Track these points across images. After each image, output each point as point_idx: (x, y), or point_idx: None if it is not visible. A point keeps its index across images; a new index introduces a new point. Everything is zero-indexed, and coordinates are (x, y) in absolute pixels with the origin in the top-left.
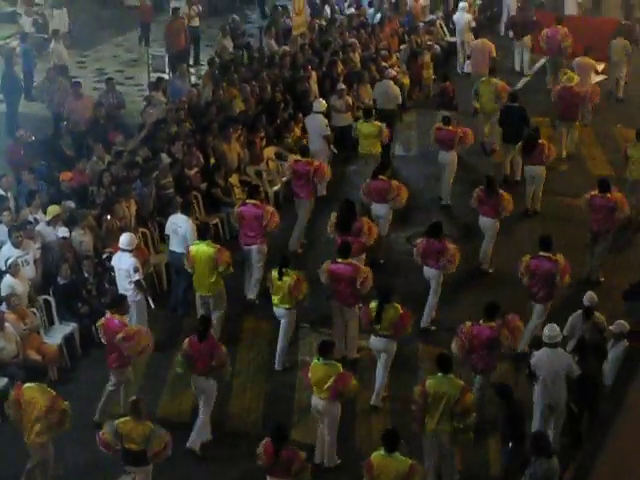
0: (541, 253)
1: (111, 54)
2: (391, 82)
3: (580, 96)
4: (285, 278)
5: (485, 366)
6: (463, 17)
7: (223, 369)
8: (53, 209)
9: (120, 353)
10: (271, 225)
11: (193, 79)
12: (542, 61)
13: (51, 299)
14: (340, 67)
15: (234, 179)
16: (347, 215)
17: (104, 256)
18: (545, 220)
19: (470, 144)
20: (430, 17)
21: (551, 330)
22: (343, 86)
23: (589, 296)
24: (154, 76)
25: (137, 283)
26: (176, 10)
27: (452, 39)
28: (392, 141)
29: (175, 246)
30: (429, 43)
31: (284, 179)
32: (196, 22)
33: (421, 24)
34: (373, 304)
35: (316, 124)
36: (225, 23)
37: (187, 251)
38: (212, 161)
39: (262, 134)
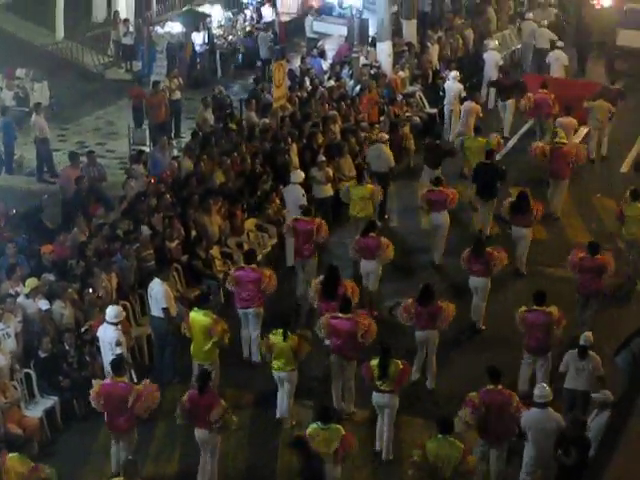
0: (535, 307)
1: (92, 127)
2: (384, 145)
3: (572, 155)
4: (287, 341)
5: (503, 435)
6: (454, 86)
7: (227, 418)
8: (32, 282)
9: (130, 415)
10: (269, 288)
11: (174, 152)
12: (528, 124)
13: (32, 372)
14: (320, 139)
15: (215, 251)
16: (332, 281)
17: (85, 329)
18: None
19: (454, 204)
20: (410, 89)
21: (540, 390)
22: (323, 158)
23: (585, 336)
24: (135, 149)
25: (118, 357)
26: (157, 83)
27: (432, 110)
28: (386, 202)
29: (153, 311)
30: (408, 115)
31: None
32: (177, 95)
33: (400, 96)
34: (374, 361)
35: (294, 195)
36: (206, 95)
37: (170, 314)
38: (193, 233)
39: (243, 206)
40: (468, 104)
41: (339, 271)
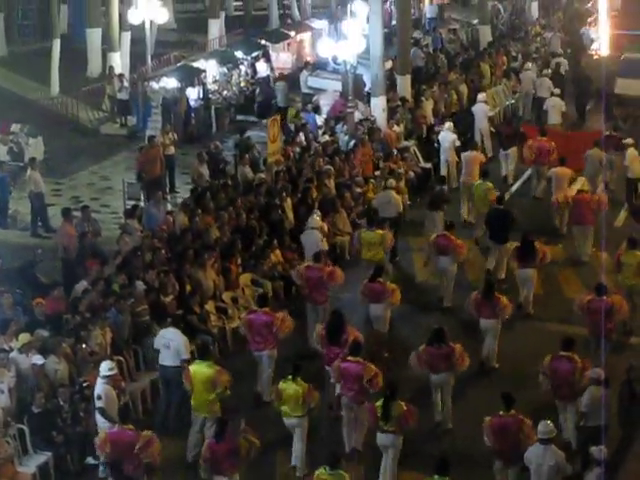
0: (561, 353)
1: (87, 181)
2: (392, 192)
3: (594, 202)
4: (296, 387)
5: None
6: (448, 136)
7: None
8: (24, 337)
9: (139, 462)
10: (283, 330)
11: (168, 206)
12: (528, 171)
13: (25, 428)
14: (315, 193)
15: (210, 306)
16: (337, 327)
17: (86, 384)
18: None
19: (462, 257)
20: (404, 143)
21: (544, 426)
22: (318, 213)
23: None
24: (129, 204)
25: (99, 410)
26: (151, 138)
27: (426, 165)
28: (396, 245)
29: (166, 360)
30: (400, 170)
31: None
32: (171, 150)
33: (395, 150)
34: (379, 402)
35: (312, 240)
36: (201, 150)
37: (184, 366)
38: (188, 288)
39: (237, 261)
40: (470, 154)
41: (344, 317)
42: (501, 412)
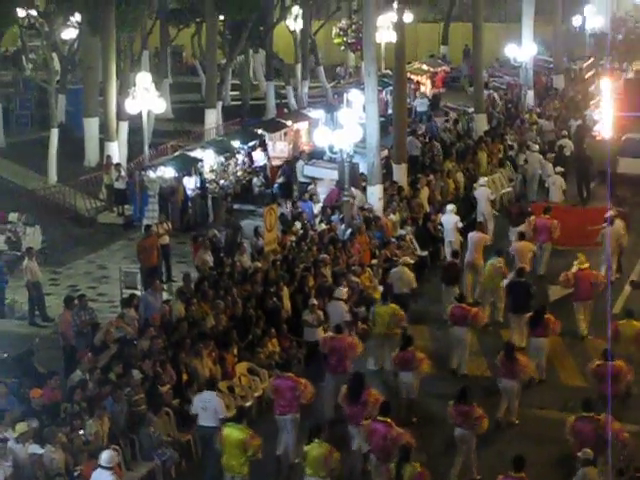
0: (584, 414)
1: (84, 270)
2: (405, 268)
3: (594, 277)
4: (319, 449)
5: None
6: (451, 218)
7: None
8: (21, 427)
9: None
10: (306, 396)
11: (165, 295)
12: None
13: None
14: (311, 282)
15: None
16: (356, 387)
17: (75, 474)
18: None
19: (481, 325)
20: (400, 232)
21: None
22: (315, 301)
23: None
24: (126, 292)
25: None
26: (148, 227)
27: (423, 253)
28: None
29: (205, 421)
30: (397, 258)
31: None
32: (165, 240)
33: (392, 239)
34: (392, 464)
35: (338, 311)
36: (204, 237)
37: (219, 427)
38: (184, 377)
39: (234, 350)
40: (475, 234)
41: (363, 378)
42: (512, 473)
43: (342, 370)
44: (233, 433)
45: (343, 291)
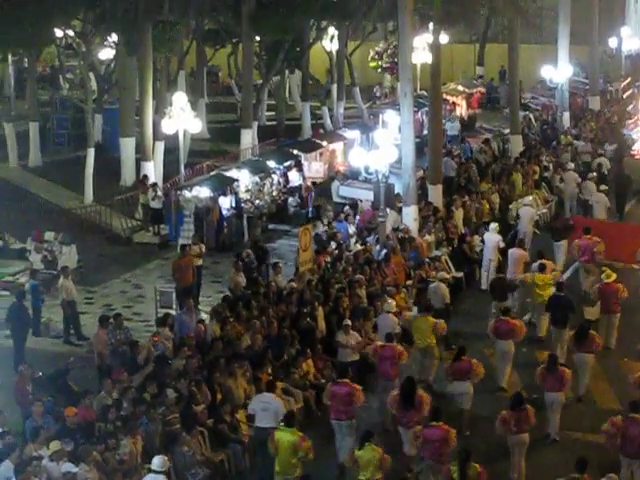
0: (631, 415)
1: (119, 290)
2: (441, 284)
3: (620, 291)
4: (371, 452)
5: None
6: (492, 237)
7: None
8: (55, 445)
9: None
10: (359, 401)
11: (200, 315)
12: (575, 265)
13: None
14: (346, 303)
15: (241, 415)
16: (409, 391)
17: None
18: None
19: (522, 337)
20: (435, 253)
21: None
22: (349, 322)
23: None
24: (161, 312)
25: None
26: (184, 247)
27: (458, 274)
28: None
29: (263, 422)
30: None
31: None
32: (198, 262)
33: (427, 259)
34: (454, 466)
35: (387, 323)
36: (237, 258)
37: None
38: (219, 397)
39: (269, 370)
40: (516, 251)
41: (415, 382)
42: (576, 475)
43: (391, 377)
44: (285, 436)
45: (392, 304)
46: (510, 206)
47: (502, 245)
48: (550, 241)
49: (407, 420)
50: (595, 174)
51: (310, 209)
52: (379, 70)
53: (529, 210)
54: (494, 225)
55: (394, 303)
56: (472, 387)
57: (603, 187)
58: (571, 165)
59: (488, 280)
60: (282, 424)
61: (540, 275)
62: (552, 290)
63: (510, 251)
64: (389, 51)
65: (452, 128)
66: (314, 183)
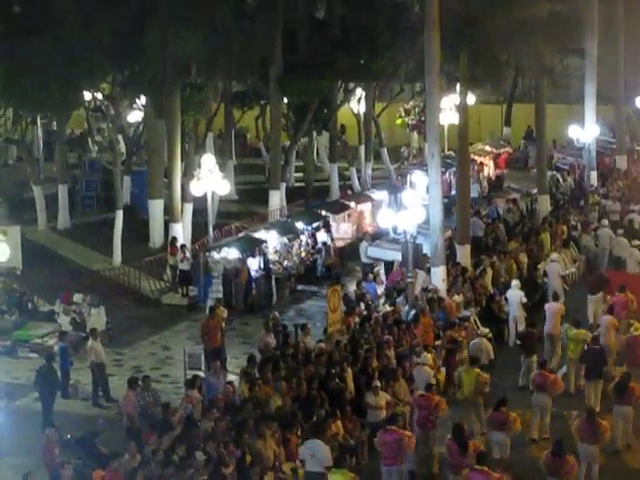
0: None
1: (148, 352)
2: (484, 339)
3: None
4: None
5: None
6: (515, 294)
7: None
8: None
9: None
10: (411, 447)
11: (228, 376)
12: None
13: None
14: (375, 363)
15: (269, 477)
16: (461, 439)
17: None
18: None
19: (560, 391)
20: (464, 313)
21: None
22: (378, 383)
23: None
24: (190, 374)
25: None
26: (213, 309)
27: (485, 330)
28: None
29: (312, 467)
30: (461, 340)
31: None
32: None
33: (456, 320)
34: None
35: (424, 375)
36: (267, 320)
37: (325, 473)
38: (248, 458)
39: (298, 431)
40: (552, 305)
41: (464, 430)
42: None
43: (431, 427)
44: (338, 478)
45: (428, 356)
46: (539, 266)
47: (524, 301)
48: (580, 297)
49: (457, 465)
50: (622, 230)
51: (320, 269)
52: (407, 130)
53: (556, 266)
54: (516, 282)
55: (429, 356)
56: (509, 439)
57: (636, 242)
58: (605, 222)
59: (514, 336)
60: (333, 468)
61: (574, 330)
62: (584, 345)
63: (547, 306)
64: (417, 109)
65: (472, 189)
66: (324, 243)
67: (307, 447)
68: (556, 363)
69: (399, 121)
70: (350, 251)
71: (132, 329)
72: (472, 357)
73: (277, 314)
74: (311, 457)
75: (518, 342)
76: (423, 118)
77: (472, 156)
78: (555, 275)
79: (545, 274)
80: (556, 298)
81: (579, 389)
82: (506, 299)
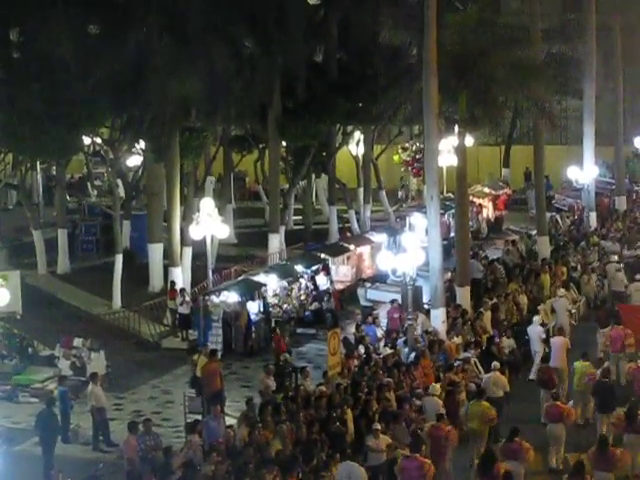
0: None
1: (148, 395)
2: (498, 372)
3: None
4: None
5: None
6: (536, 329)
7: None
8: None
9: None
10: (430, 476)
11: (227, 420)
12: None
13: None
14: (375, 406)
15: None
16: (490, 460)
17: None
18: None
19: (574, 421)
20: (464, 355)
21: None
22: (378, 426)
23: None
24: (190, 417)
25: None
26: (214, 352)
27: (486, 375)
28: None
29: None
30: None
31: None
32: None
33: (456, 362)
34: None
35: (432, 405)
36: (267, 363)
37: None
38: None
39: (299, 475)
40: (557, 339)
41: (495, 453)
42: None
43: (442, 457)
44: None
45: (437, 387)
46: (538, 307)
47: (543, 337)
48: (588, 331)
49: None
50: (622, 265)
51: (306, 313)
52: (402, 168)
53: (563, 301)
54: (537, 317)
55: (438, 386)
56: (523, 468)
57: (638, 276)
58: (614, 257)
59: (535, 371)
60: None
61: (581, 363)
62: (586, 378)
63: (552, 340)
64: (414, 147)
65: None
66: (316, 287)
67: (344, 469)
68: (563, 395)
69: (396, 157)
70: (349, 294)
71: (132, 373)
72: (479, 390)
73: (287, 356)
74: (347, 478)
75: (533, 377)
76: (418, 156)
77: (471, 198)
78: (563, 310)
79: (553, 310)
80: (561, 332)
81: (588, 422)
82: (526, 333)
